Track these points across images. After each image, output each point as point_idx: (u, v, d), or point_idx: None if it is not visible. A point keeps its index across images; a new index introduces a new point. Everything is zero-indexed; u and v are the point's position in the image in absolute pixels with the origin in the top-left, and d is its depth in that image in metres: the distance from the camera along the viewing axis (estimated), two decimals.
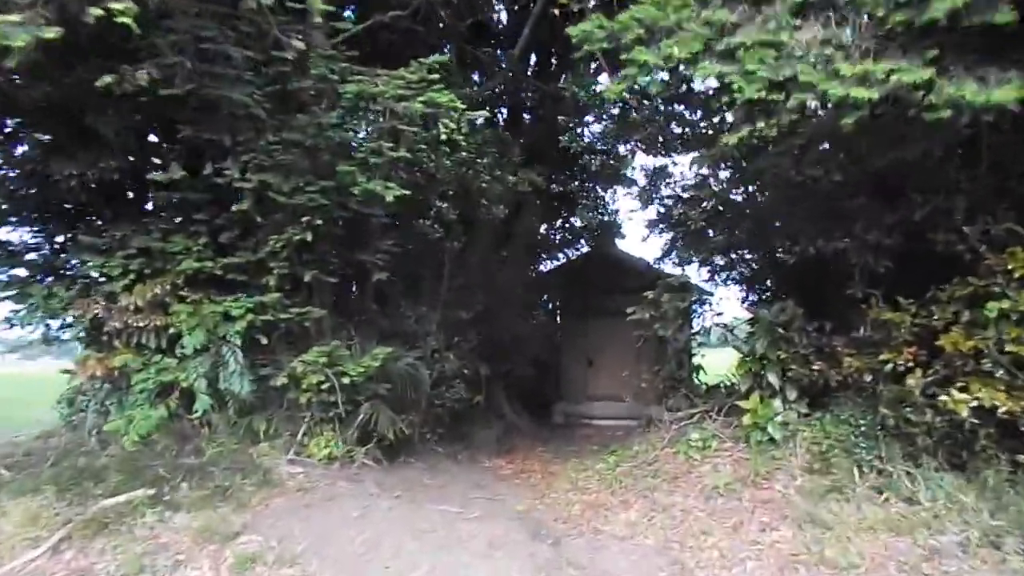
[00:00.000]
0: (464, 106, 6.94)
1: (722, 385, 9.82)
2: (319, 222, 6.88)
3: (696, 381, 10.35)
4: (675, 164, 12.91)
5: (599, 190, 16.18)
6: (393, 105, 6.70)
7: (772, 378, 7.48)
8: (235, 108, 6.31)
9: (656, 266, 14.14)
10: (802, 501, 6.29)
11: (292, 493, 6.90)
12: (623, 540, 6.40)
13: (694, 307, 12.67)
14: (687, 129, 11.37)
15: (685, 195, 9.89)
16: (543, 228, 16.16)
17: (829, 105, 4.39)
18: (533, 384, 14.85)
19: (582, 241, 17.22)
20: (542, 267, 17.03)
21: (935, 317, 6.12)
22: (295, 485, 7.05)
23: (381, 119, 6.99)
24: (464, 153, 8.73)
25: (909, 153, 5.47)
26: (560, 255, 17.42)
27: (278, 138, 6.67)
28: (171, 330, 6.90)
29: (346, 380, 7.39)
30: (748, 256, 11.54)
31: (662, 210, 11.93)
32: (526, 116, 13.22)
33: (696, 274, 12.85)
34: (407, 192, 6.82)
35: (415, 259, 9.68)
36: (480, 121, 10.65)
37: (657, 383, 10.11)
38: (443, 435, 10.38)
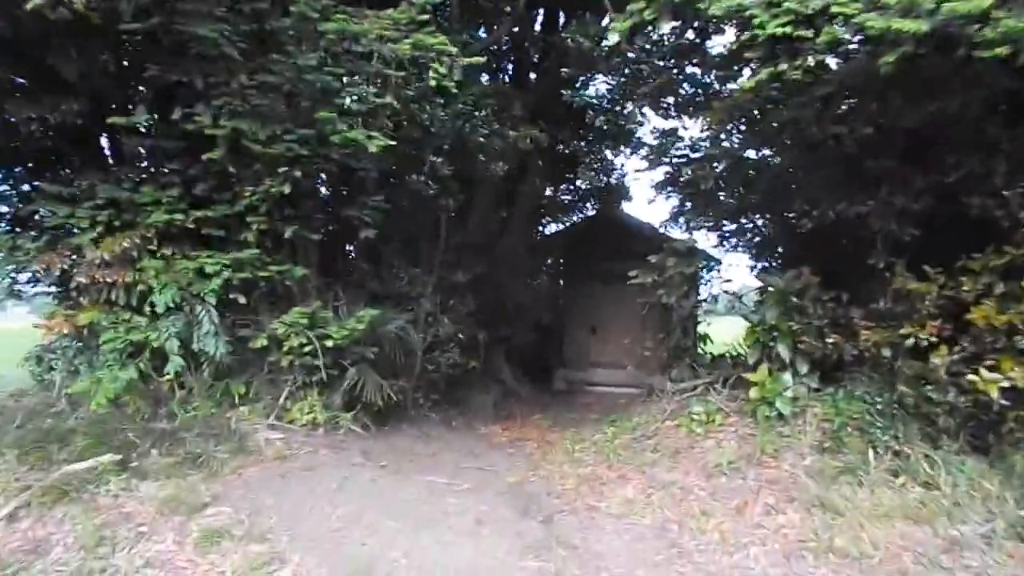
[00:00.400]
0: (456, 50, 6.37)
1: (728, 356, 9.40)
2: (298, 174, 6.38)
3: (701, 351, 9.90)
4: (685, 128, 12.40)
5: (606, 151, 15.50)
6: (378, 47, 6.15)
7: (782, 350, 7.01)
8: (206, 47, 5.77)
9: (663, 231, 13.69)
10: (811, 483, 5.87)
11: (269, 461, 6.54)
12: (619, 519, 6.01)
13: (701, 274, 12.16)
14: (699, 91, 10.77)
15: (695, 155, 9.23)
16: (548, 191, 15.58)
17: (863, 46, 3.82)
18: (535, 350, 14.48)
19: (588, 204, 16.64)
20: (546, 230, 16.49)
21: (964, 288, 5.62)
22: (273, 453, 6.68)
23: (366, 63, 6.43)
24: (461, 105, 8.19)
25: (949, 105, 4.88)
26: (565, 219, 16.86)
27: (254, 81, 6.13)
28: (141, 287, 6.45)
29: (329, 343, 6.97)
30: (760, 221, 10.99)
31: (671, 171, 11.32)
32: (532, 76, 12.56)
33: (704, 240, 12.31)
34: (392, 143, 6.29)
35: (408, 218, 9.20)
36: (485, 78, 10.11)
37: (661, 352, 9.69)
38: (437, 401, 10.01)
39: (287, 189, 6.30)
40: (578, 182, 15.94)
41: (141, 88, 6.17)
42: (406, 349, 8.42)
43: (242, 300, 6.85)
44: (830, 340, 6.67)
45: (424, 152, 8.14)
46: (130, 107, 6.66)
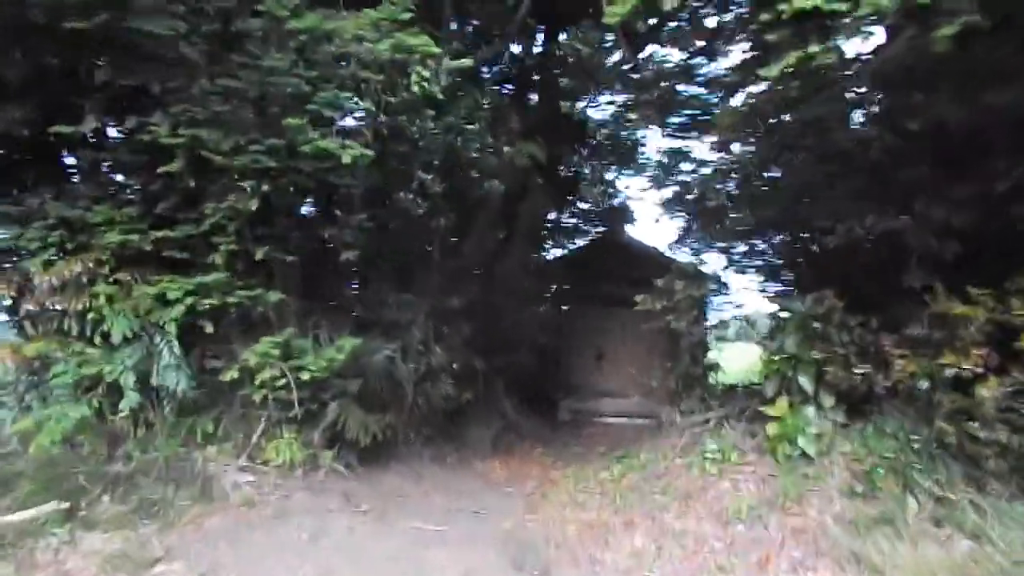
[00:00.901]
0: (440, 51, 5.80)
1: (741, 386, 8.73)
2: (266, 188, 5.78)
3: (712, 380, 9.18)
4: (689, 149, 11.84)
5: (609, 172, 14.94)
6: (355, 48, 5.59)
7: (804, 381, 6.32)
8: (163, 49, 5.23)
9: (670, 254, 13.09)
10: (842, 533, 5.19)
11: (234, 509, 5.89)
12: (625, 574, 5.34)
13: (710, 298, 11.52)
14: (704, 112, 10.23)
15: (704, 171, 8.59)
16: (551, 213, 15.00)
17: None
18: (537, 379, 13.83)
19: (591, 227, 16.03)
20: (548, 255, 15.89)
21: (1016, 312, 4.94)
22: (240, 498, 6.02)
23: (341, 66, 5.86)
24: (451, 118, 7.61)
25: (1004, 95, 4.20)
26: (567, 242, 16.28)
27: (217, 87, 5.56)
28: (95, 315, 5.83)
29: (305, 376, 6.34)
30: (775, 240, 10.32)
31: (678, 189, 10.74)
32: (530, 94, 12.02)
33: (714, 262, 11.68)
34: (368, 152, 5.71)
35: (398, 239, 8.60)
36: (491, 98, 9.54)
37: (669, 381, 9.00)
38: (431, 436, 9.31)
39: (254, 206, 5.70)
40: (581, 204, 15.36)
41: (97, 95, 5.58)
42: (394, 381, 7.76)
43: (209, 329, 6.20)
44: (859, 370, 5.98)
45: (412, 167, 7.55)
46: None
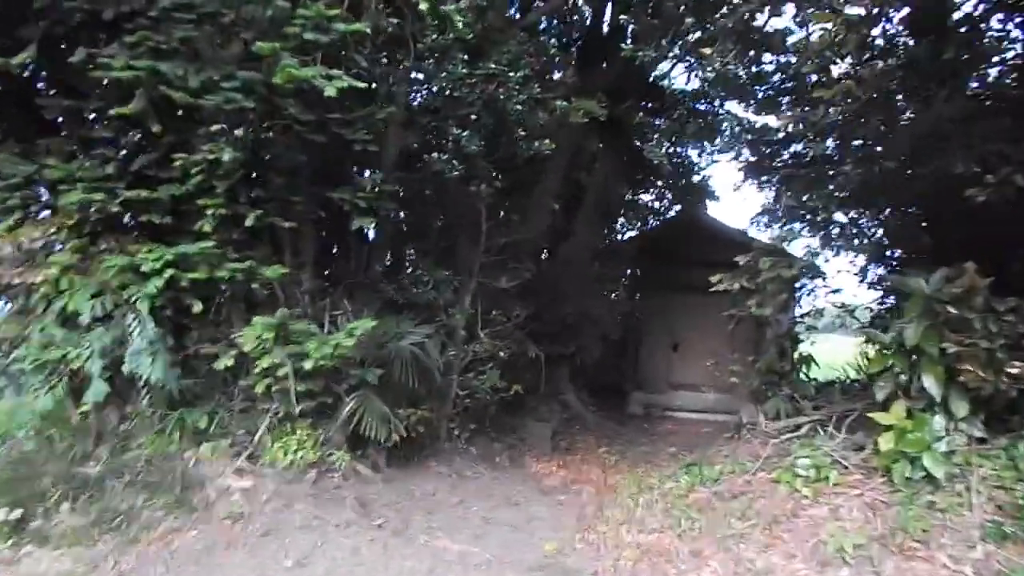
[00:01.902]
0: None
1: (838, 383, 7.29)
2: (239, 132, 4.78)
3: (804, 376, 7.72)
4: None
5: (686, 144, 13.32)
6: None
7: (930, 382, 4.87)
8: None
9: (753, 235, 11.59)
10: None
11: (217, 522, 4.94)
12: None
13: (802, 281, 9.98)
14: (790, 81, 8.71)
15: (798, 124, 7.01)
16: (624, 191, 13.61)
17: None
18: (607, 369, 12.84)
19: (667, 205, 14.56)
20: (620, 236, 14.56)
21: None
22: (226, 510, 5.07)
23: None
24: (493, 66, 6.45)
25: None
26: (641, 222, 14.88)
27: (182, 12, 4.56)
28: (48, 289, 4.96)
29: (307, 364, 5.35)
30: (887, 211, 8.64)
31: (764, 151, 9.22)
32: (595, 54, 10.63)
33: (806, 242, 10.07)
34: (360, 85, 4.62)
35: (435, 208, 7.54)
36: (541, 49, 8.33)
37: (752, 376, 7.62)
38: (477, 432, 8.26)
39: (228, 156, 4.68)
40: (656, 181, 13.83)
41: (41, 23, 4.67)
42: (424, 369, 6.69)
43: (198, 308, 5.27)
44: (1010, 371, 4.51)
45: (444, 123, 6.45)
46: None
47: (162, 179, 5.19)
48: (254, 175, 5.42)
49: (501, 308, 8.57)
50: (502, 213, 8.88)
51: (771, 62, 8.88)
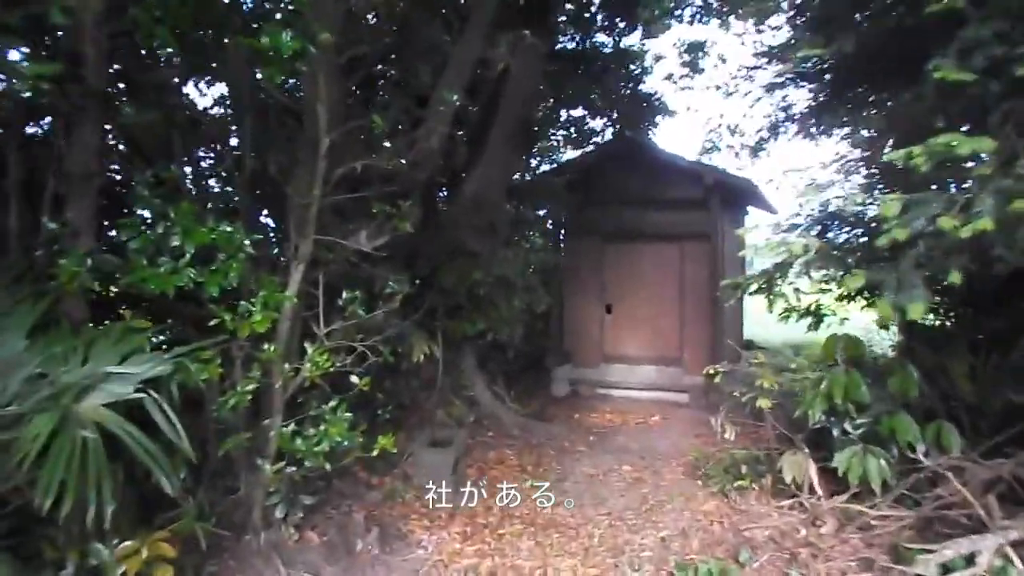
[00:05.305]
0: None
1: None
2: None
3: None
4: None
5: (627, 33, 10.05)
6: None
7: None
8: None
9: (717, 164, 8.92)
10: None
11: None
12: None
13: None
14: None
15: None
16: (549, 104, 10.32)
17: None
18: (532, 340, 10.47)
19: (603, 127, 11.28)
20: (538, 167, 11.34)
21: None
22: None
23: None
24: None
25: None
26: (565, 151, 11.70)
27: None
28: None
29: None
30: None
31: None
32: None
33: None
34: None
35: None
36: None
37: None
38: (327, 501, 5.07)
39: None
40: (595, 88, 10.37)
41: None
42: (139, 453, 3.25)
43: None
44: None
45: None
46: None
47: None
48: None
49: (362, 284, 5.28)
50: (347, 131, 5.13)
51: None
